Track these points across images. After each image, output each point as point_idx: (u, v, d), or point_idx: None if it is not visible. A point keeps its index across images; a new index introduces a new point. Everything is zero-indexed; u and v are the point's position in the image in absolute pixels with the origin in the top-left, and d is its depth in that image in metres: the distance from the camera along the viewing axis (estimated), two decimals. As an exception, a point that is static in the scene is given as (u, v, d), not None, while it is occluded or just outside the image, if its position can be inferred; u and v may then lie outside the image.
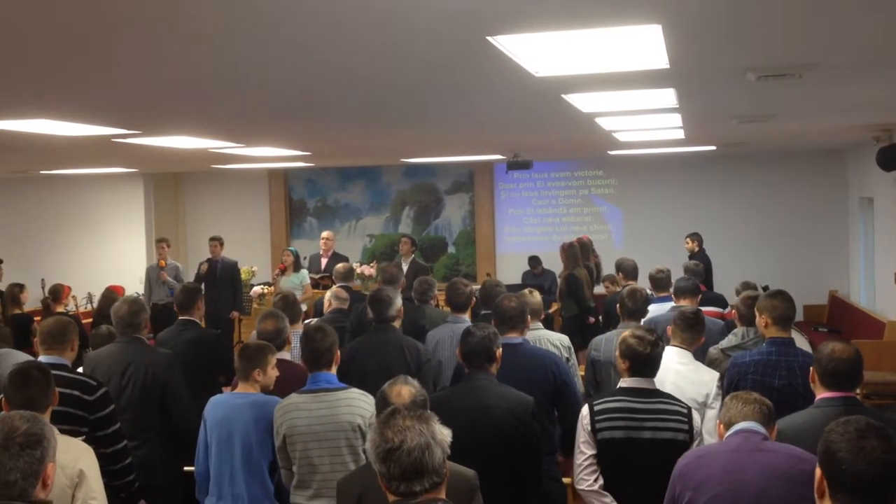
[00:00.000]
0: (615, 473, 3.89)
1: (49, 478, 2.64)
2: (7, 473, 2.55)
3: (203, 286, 8.71)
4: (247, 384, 4.41)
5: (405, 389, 3.32)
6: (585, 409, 3.97)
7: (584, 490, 3.95)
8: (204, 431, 4.42)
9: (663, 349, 4.10)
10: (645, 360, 3.96)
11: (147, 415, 4.84)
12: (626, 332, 4.08)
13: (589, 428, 3.91)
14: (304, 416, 4.06)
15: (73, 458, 3.37)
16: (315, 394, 4.12)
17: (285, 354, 5.02)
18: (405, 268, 10.49)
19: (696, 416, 4.00)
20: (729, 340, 5.29)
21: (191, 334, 5.81)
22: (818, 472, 2.35)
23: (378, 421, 2.49)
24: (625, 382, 4.01)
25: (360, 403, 4.09)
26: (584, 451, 3.93)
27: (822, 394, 3.59)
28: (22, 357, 6.75)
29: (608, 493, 3.90)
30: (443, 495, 2.42)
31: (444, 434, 2.45)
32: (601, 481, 3.90)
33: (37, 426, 2.65)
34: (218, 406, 4.41)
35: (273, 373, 4.47)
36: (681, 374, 4.58)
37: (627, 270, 8.01)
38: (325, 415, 4.05)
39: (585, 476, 3.92)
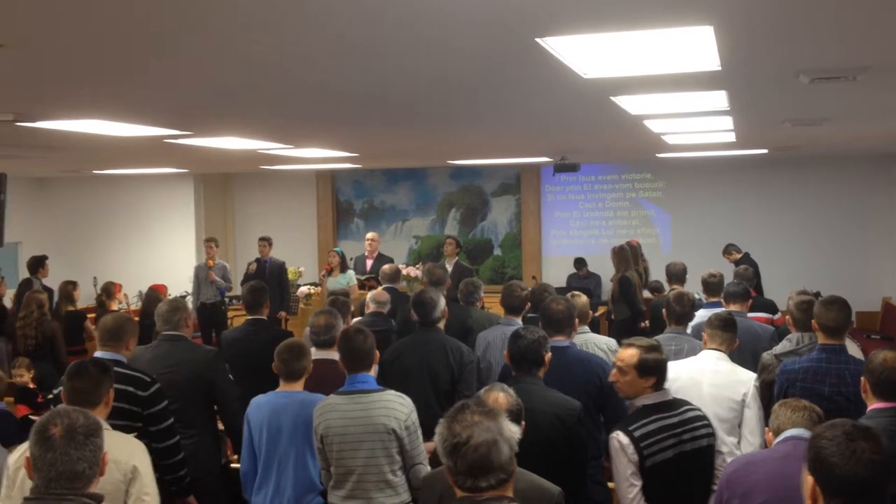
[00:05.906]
0: (662, 492, 3.70)
1: (104, 466, 2.71)
2: (75, 464, 2.59)
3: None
4: (292, 383, 4.43)
5: (502, 397, 3.32)
6: (624, 439, 3.66)
7: None
8: (248, 432, 4.45)
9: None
10: (665, 370, 3.87)
11: (191, 410, 4.90)
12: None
13: (636, 458, 3.63)
14: (338, 416, 4.06)
15: (128, 453, 3.42)
16: (351, 395, 4.11)
17: (334, 354, 4.91)
18: (449, 269, 10.51)
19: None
20: (783, 346, 5.19)
21: (265, 335, 5.73)
22: (809, 479, 2.34)
23: (447, 415, 2.49)
24: (648, 399, 3.80)
25: (395, 406, 4.06)
26: (634, 482, 3.66)
27: (874, 404, 3.52)
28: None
29: None
30: (510, 493, 2.40)
31: (513, 431, 2.44)
32: None
33: (91, 417, 2.73)
34: (261, 406, 4.42)
35: (308, 367, 4.51)
36: (719, 374, 4.54)
37: (674, 274, 7.92)
38: (360, 416, 4.03)
39: None
